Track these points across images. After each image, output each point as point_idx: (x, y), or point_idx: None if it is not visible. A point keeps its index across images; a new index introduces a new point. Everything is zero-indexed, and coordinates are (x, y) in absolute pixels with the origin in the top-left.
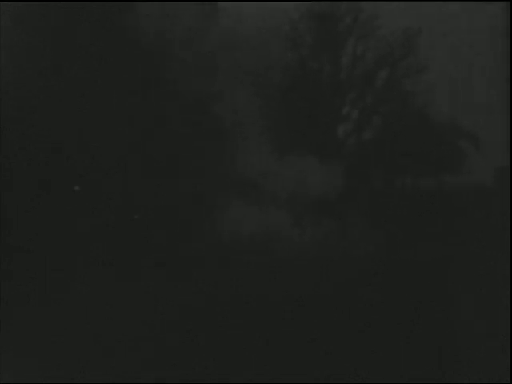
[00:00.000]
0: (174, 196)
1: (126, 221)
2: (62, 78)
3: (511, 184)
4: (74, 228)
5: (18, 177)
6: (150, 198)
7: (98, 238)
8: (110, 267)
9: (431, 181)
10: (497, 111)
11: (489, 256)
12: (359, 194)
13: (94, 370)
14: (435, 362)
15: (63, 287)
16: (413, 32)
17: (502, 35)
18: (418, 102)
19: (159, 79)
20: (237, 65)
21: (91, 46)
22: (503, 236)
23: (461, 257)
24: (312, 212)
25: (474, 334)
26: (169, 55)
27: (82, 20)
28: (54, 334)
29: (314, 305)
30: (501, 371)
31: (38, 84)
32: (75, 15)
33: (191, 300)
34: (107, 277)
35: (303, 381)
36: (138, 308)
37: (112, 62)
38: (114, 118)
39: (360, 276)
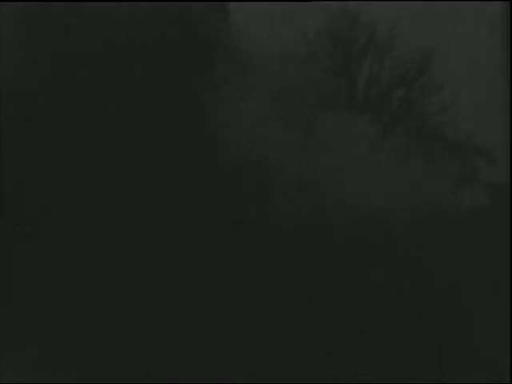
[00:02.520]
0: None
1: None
2: (63, 76)
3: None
4: (79, 228)
5: (18, 177)
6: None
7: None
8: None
9: (449, 198)
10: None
11: (489, 257)
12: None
13: (96, 372)
14: (435, 362)
15: (71, 291)
16: (428, 51)
17: (502, 36)
18: (434, 121)
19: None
20: (250, 88)
21: (93, 45)
22: (504, 244)
23: (462, 260)
24: None
25: (474, 333)
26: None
27: (83, 18)
28: (57, 335)
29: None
30: (501, 371)
31: (39, 82)
32: (77, 14)
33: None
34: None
35: (302, 381)
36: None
37: (116, 61)
38: (116, 117)
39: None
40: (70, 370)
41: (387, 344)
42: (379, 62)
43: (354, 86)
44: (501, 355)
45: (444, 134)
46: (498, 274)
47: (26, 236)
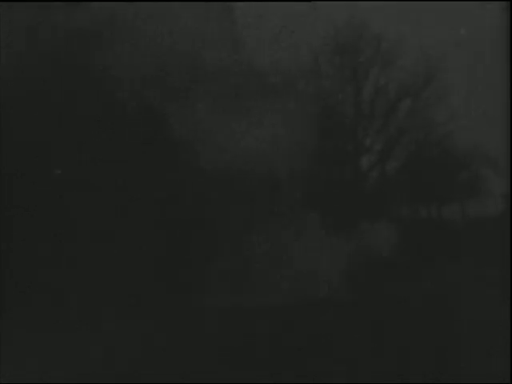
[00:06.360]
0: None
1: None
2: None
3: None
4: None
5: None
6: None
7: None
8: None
9: (455, 208)
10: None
11: (489, 260)
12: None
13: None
14: (435, 362)
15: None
16: (434, 60)
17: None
18: (440, 131)
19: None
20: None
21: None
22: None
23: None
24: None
25: (474, 334)
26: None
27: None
28: (57, 335)
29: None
30: (501, 371)
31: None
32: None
33: None
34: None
35: (302, 381)
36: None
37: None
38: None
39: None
40: (71, 372)
41: (387, 343)
42: (386, 71)
43: (361, 96)
44: (501, 355)
45: (450, 143)
46: (498, 276)
47: (25, 239)
